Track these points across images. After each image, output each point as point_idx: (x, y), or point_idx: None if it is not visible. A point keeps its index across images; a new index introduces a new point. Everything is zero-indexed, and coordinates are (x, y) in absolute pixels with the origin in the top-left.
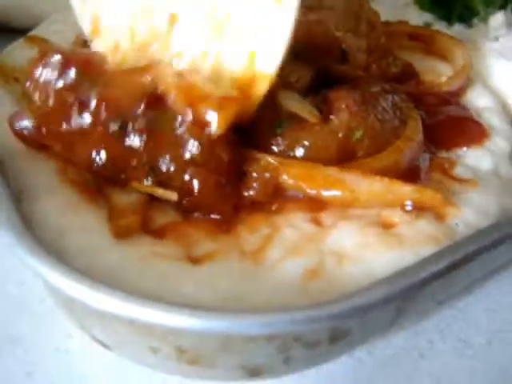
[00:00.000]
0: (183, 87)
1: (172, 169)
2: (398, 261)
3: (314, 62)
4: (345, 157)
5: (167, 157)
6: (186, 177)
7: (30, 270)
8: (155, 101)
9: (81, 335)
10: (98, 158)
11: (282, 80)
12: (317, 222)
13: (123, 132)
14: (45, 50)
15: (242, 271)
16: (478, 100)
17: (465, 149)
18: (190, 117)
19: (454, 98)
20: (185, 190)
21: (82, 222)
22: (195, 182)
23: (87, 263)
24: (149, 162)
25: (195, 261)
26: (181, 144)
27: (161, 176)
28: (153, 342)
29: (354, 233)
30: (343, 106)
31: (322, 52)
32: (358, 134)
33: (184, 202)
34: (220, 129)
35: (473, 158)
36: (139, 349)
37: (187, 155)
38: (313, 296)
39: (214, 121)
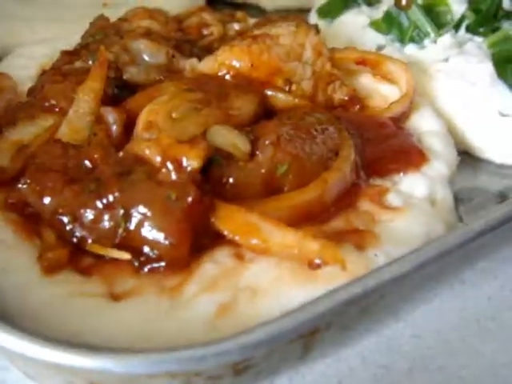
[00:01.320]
0: (154, 142)
1: (149, 214)
2: (311, 295)
3: (257, 93)
4: (271, 191)
5: (142, 205)
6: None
7: None
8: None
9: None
10: (65, 217)
11: (223, 113)
12: (239, 257)
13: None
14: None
15: (157, 307)
16: (422, 123)
17: (401, 174)
18: (167, 163)
19: (396, 122)
20: (152, 243)
21: (14, 261)
22: (168, 232)
23: (17, 301)
24: (124, 213)
25: (116, 297)
26: (159, 188)
27: (127, 233)
28: (67, 376)
29: (270, 267)
30: (267, 142)
31: (266, 81)
32: (283, 169)
33: (144, 257)
34: (196, 161)
35: (407, 184)
36: (57, 382)
37: (166, 193)
38: (223, 332)
39: (189, 157)
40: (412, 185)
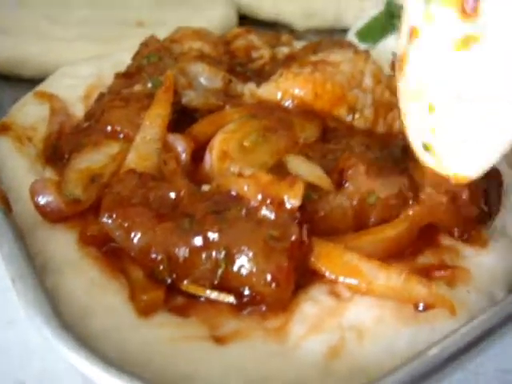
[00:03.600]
0: (253, 180)
1: (251, 255)
2: (415, 335)
3: (320, 119)
4: (359, 223)
5: (244, 245)
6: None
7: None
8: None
9: None
10: (159, 256)
11: (290, 141)
12: (335, 295)
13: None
14: (55, 107)
15: (267, 351)
16: None
17: None
18: (265, 201)
19: None
20: (255, 285)
21: (105, 302)
22: (274, 273)
23: (114, 345)
24: (226, 253)
25: (221, 340)
26: (260, 227)
27: (226, 273)
28: None
29: (371, 306)
30: (357, 173)
31: (328, 111)
32: (373, 199)
33: (245, 299)
34: (297, 200)
35: None
36: None
37: (268, 233)
38: (336, 375)
39: (290, 196)
40: None
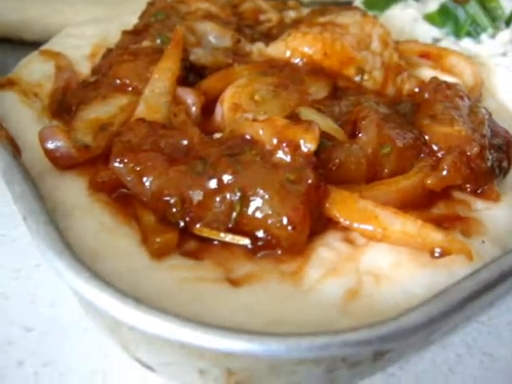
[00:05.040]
0: (268, 123)
1: (267, 197)
2: (432, 279)
3: (331, 77)
4: (373, 173)
5: (260, 188)
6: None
7: (77, 295)
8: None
9: (117, 356)
10: (172, 199)
11: (301, 97)
12: (350, 241)
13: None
14: (60, 64)
15: (282, 293)
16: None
17: None
18: (280, 145)
19: None
20: (270, 228)
21: (117, 245)
22: (290, 215)
23: (125, 287)
24: (241, 196)
25: (235, 283)
26: (275, 170)
27: (240, 216)
28: (202, 364)
29: (387, 251)
30: (370, 123)
31: (338, 70)
32: (386, 150)
33: (260, 242)
34: (313, 144)
35: None
36: (186, 370)
37: (284, 176)
38: (354, 316)
39: (306, 139)
40: None
